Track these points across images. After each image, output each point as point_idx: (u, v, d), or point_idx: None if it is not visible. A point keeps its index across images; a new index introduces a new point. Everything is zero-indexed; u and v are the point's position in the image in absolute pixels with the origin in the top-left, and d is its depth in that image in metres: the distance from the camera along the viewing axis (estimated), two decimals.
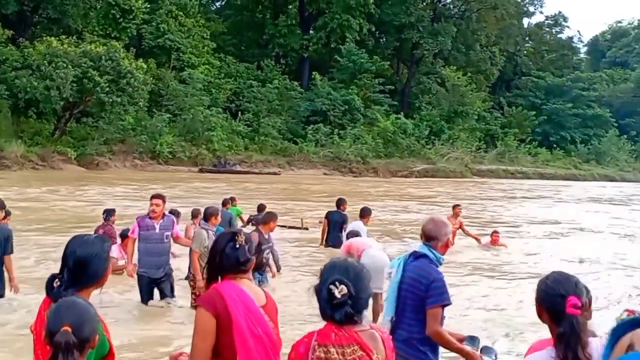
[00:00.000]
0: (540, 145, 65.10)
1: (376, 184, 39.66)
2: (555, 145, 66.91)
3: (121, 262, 11.09)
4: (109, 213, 12.06)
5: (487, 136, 62.35)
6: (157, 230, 9.22)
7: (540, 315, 2.88)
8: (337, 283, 2.90)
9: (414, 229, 17.83)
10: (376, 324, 3.25)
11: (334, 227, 14.73)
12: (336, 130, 50.96)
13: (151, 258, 9.22)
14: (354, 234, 10.52)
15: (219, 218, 9.80)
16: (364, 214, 12.74)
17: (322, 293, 2.97)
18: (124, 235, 11.10)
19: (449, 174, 50.16)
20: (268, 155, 47.50)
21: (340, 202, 15.37)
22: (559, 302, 2.76)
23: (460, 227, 15.80)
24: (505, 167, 56.25)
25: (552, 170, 59.42)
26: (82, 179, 31.58)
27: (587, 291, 2.88)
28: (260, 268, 10.12)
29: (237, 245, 3.57)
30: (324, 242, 15.01)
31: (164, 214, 9.41)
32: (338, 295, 2.88)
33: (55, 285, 3.36)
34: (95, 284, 3.44)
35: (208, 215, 9.56)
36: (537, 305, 2.88)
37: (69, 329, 2.72)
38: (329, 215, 15.21)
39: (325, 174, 46.89)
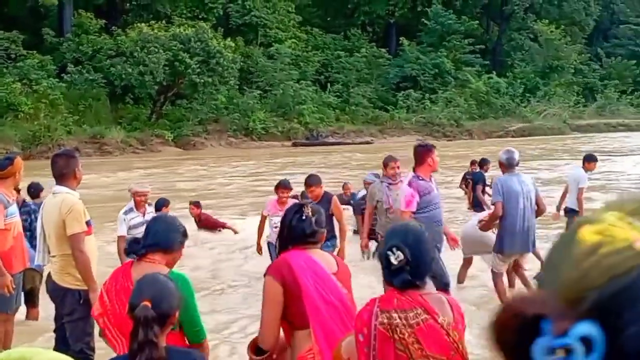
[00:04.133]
0: None
1: (472, 146, 38.98)
2: None
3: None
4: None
5: (586, 90, 60.12)
6: (437, 192, 7.36)
7: None
8: (394, 249, 2.87)
9: None
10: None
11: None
12: (427, 94, 50.26)
13: (440, 228, 7.28)
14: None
15: None
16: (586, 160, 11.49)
17: (383, 259, 2.96)
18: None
19: (547, 132, 48.76)
20: (360, 125, 47.39)
21: (483, 162, 15.01)
22: None
23: None
24: (607, 121, 54.14)
25: None
26: (184, 159, 32.48)
27: None
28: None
29: (304, 217, 3.59)
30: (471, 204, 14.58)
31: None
32: (394, 262, 2.86)
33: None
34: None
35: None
36: None
37: (149, 304, 2.82)
38: (472, 176, 14.91)
39: (418, 139, 46.38)
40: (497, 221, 7.79)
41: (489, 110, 51.41)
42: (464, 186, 16.68)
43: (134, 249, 3.76)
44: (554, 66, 57.39)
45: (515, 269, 8.21)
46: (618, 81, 61.37)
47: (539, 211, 7.83)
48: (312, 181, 8.85)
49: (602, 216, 0.87)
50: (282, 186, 9.57)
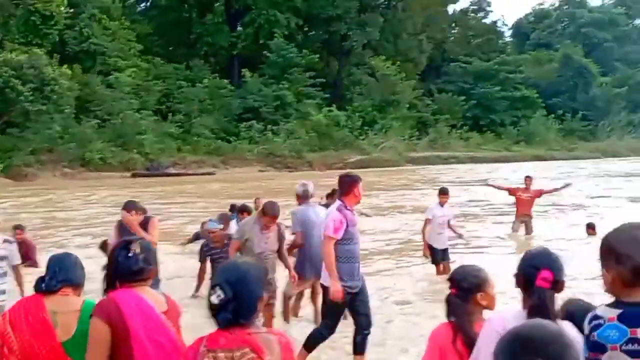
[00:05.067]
0: (471, 129, 66.12)
1: (313, 178, 39.66)
2: (485, 129, 68.07)
3: None
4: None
5: (420, 124, 63.04)
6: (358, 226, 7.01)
7: (517, 284, 3.00)
8: (216, 288, 2.88)
9: None
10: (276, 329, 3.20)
11: None
12: (269, 126, 50.85)
13: (356, 265, 6.93)
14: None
15: None
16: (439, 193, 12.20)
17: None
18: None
19: (384, 164, 50.52)
20: (202, 155, 47.12)
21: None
22: (532, 272, 2.90)
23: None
24: (438, 154, 56.95)
25: (483, 154, 60.41)
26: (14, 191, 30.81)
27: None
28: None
29: (130, 255, 3.53)
30: None
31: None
32: (215, 301, 2.87)
33: None
34: None
35: None
36: (516, 273, 3.01)
37: None
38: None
39: (260, 170, 46.72)
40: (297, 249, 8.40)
41: (329, 143, 52.69)
42: None
43: (49, 284, 3.82)
44: (390, 100, 59.76)
45: (314, 297, 8.75)
46: (449, 116, 64.82)
47: None
48: (126, 206, 8.12)
49: None
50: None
